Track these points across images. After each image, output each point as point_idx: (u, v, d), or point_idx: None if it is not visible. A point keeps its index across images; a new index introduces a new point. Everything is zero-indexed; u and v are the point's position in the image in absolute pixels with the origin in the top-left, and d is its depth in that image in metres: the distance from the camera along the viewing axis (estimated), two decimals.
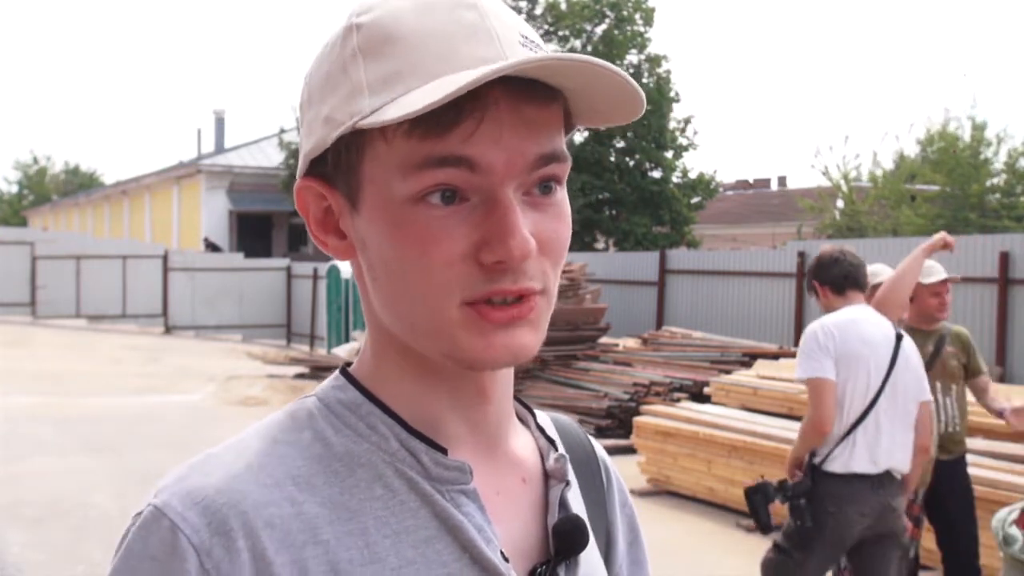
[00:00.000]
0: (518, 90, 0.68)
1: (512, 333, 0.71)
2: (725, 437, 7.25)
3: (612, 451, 8.79)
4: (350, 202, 0.73)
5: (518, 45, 0.71)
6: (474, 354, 0.71)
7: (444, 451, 0.74)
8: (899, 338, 3.60)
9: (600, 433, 9.59)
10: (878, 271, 4.34)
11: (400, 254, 0.70)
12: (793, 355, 10.93)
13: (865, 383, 3.50)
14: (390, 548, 0.71)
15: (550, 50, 0.72)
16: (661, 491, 7.80)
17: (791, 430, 6.99)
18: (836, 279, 3.67)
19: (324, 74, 0.74)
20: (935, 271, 4.32)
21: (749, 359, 10.64)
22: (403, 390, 0.77)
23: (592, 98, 0.72)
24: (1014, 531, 3.73)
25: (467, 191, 0.69)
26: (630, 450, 8.45)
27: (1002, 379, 10.47)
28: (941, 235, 3.96)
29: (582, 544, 0.78)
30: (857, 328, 3.54)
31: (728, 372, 9.88)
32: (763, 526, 3.64)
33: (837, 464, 3.48)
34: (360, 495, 0.72)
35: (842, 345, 3.49)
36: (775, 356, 10.56)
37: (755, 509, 3.61)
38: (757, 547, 6.16)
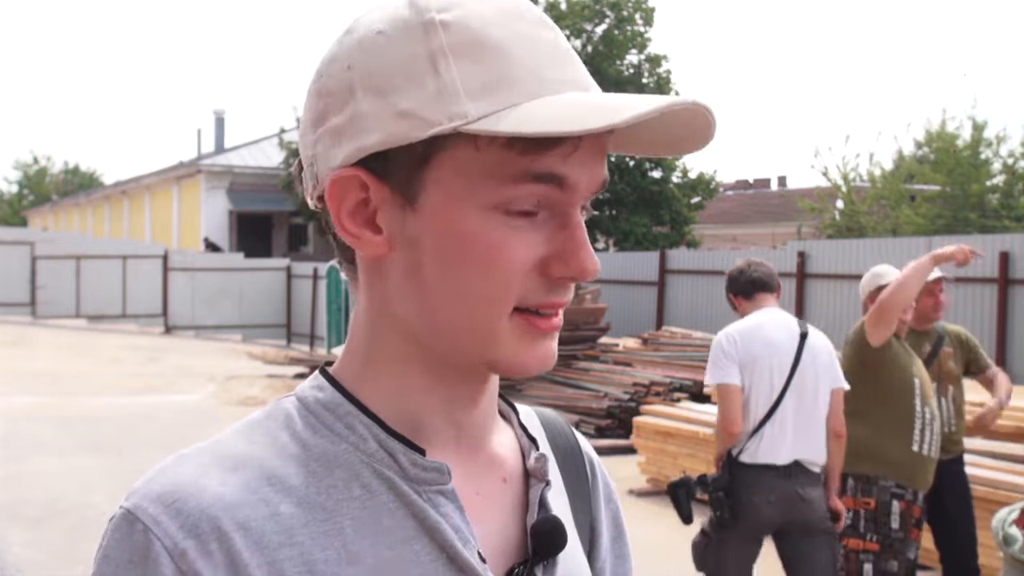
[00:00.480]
0: None
1: (549, 343, 0.74)
2: None
3: (612, 451, 8.80)
4: (405, 198, 0.72)
5: (583, 68, 0.74)
6: (519, 361, 0.73)
7: (422, 452, 0.74)
8: (803, 336, 3.83)
9: (600, 433, 9.59)
10: (884, 272, 4.33)
11: (466, 257, 0.71)
12: None
13: (769, 383, 3.78)
14: (367, 548, 0.71)
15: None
16: (661, 491, 7.79)
17: None
18: (744, 286, 3.99)
19: (394, 66, 0.71)
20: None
21: None
22: (392, 390, 0.76)
23: (649, 132, 0.74)
24: (1014, 531, 3.73)
25: (542, 205, 0.71)
26: (630, 450, 8.44)
27: None
28: (955, 248, 3.92)
29: (560, 545, 0.78)
30: (760, 332, 3.83)
31: None
32: (684, 518, 3.91)
33: (747, 456, 3.79)
34: (337, 495, 0.72)
35: (744, 350, 3.80)
36: None
37: (678, 502, 3.89)
38: None
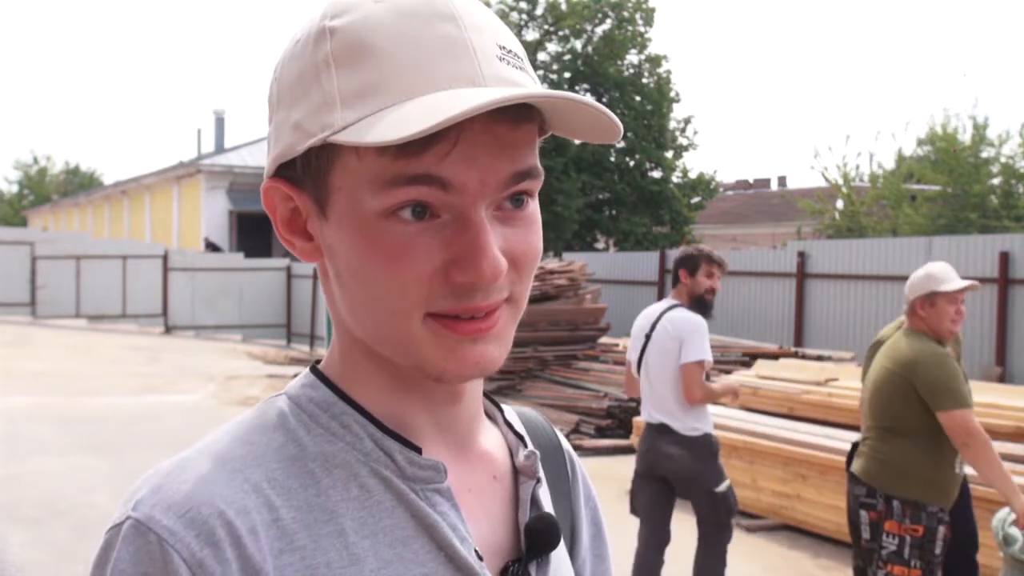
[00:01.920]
0: (493, 111, 0.67)
1: (479, 346, 0.71)
2: (725, 437, 7.22)
3: (612, 451, 8.81)
4: (318, 207, 0.73)
5: (496, 60, 0.70)
6: (441, 367, 0.71)
7: (418, 450, 0.74)
8: (658, 318, 4.56)
9: (600, 433, 9.59)
10: (942, 276, 3.93)
11: (368, 266, 0.70)
12: (793, 355, 10.93)
13: (633, 357, 4.72)
14: (369, 549, 0.71)
15: (530, 73, 0.72)
16: None
17: (791, 430, 7.00)
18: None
19: (295, 77, 0.73)
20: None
21: (749, 359, 10.64)
22: (372, 390, 0.76)
23: (570, 121, 0.72)
24: (1014, 531, 3.73)
25: (438, 208, 0.68)
26: (630, 450, 8.43)
27: (1002, 379, 10.48)
28: None
29: (553, 542, 0.78)
30: (638, 319, 4.75)
31: (728, 372, 9.87)
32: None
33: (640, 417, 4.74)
34: (336, 496, 0.72)
35: (632, 335, 4.75)
36: (775, 356, 10.55)
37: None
38: (758, 547, 6.15)
